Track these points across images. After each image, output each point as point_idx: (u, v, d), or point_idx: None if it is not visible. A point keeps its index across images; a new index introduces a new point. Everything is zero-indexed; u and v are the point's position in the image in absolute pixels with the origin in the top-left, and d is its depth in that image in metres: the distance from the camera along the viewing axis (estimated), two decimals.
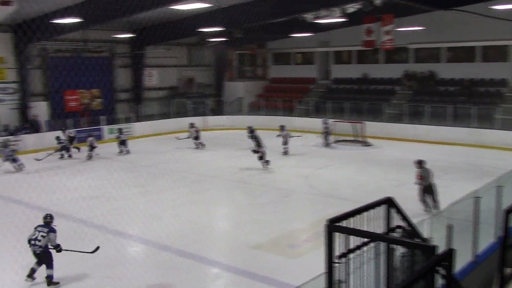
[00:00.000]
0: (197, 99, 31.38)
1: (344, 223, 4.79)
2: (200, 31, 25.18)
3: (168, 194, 14.83)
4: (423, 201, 12.41)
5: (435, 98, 26.84)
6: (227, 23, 22.49)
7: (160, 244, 10.65)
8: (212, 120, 29.87)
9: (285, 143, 21.24)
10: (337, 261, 4.74)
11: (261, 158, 17.77)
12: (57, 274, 8.88)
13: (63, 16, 18.40)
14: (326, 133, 23.70)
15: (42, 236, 8.75)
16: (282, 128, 21.54)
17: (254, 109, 32.60)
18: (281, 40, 32.63)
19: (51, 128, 24.06)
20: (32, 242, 8.75)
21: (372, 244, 4.98)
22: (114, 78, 28.65)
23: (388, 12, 22.16)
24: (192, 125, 23.70)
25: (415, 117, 25.85)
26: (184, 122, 28.22)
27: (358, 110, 27.47)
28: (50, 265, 8.81)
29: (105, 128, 25.69)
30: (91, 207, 13.20)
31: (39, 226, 8.95)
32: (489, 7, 17.58)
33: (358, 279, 4.93)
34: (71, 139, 21.71)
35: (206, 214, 13.03)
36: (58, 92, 25.77)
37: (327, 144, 23.54)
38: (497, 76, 26.28)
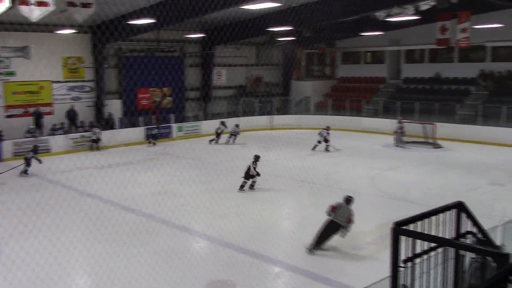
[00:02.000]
0: (264, 98, 31.56)
1: (411, 227, 4.64)
2: (269, 30, 25.30)
3: (233, 192, 15.00)
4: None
5: None
6: (297, 22, 22.44)
7: (223, 241, 10.79)
8: (279, 119, 29.92)
9: (327, 140, 21.82)
10: (402, 265, 4.60)
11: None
12: (124, 264, 9.21)
13: (138, 17, 19.11)
14: (401, 133, 23.21)
15: None
16: (327, 128, 22.22)
17: (321, 108, 32.32)
18: (350, 39, 32.18)
19: (124, 125, 25.09)
20: None
21: (440, 250, 4.79)
22: (184, 77, 29.38)
23: (465, 8, 21.27)
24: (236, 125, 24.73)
25: (491, 118, 24.62)
26: (253, 120, 28.51)
27: (429, 111, 26.54)
28: None
29: (174, 126, 26.38)
30: (159, 202, 13.59)
31: None
32: None
33: (424, 284, 4.76)
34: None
35: (270, 213, 13.06)
36: (132, 90, 26.78)
37: (401, 144, 23.03)
38: None
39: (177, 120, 26.96)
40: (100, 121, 24.74)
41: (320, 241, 10.16)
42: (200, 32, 26.80)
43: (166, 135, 25.65)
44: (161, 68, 27.56)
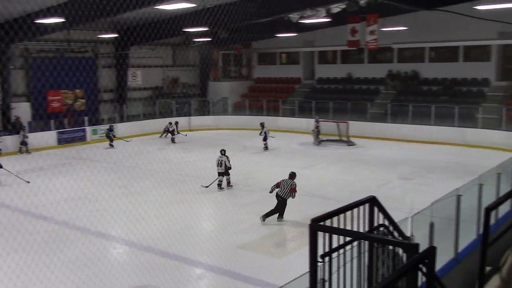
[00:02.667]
0: (181, 99, 31.26)
1: (327, 223, 4.77)
2: (185, 31, 25.08)
3: (152, 195, 14.72)
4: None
5: (419, 97, 27.04)
6: (212, 23, 22.41)
7: (143, 245, 10.56)
8: (197, 120, 29.77)
9: (265, 139, 22.21)
10: (320, 260, 4.72)
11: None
12: (36, 275, 8.75)
13: (46, 16, 18.17)
14: (317, 132, 23.94)
15: None
16: (262, 125, 22.45)
17: (239, 109, 32.55)
18: (266, 40, 32.64)
19: (34, 129, 23.79)
20: None
21: (355, 243, 4.97)
22: (97, 78, 28.41)
23: (373, 12, 22.26)
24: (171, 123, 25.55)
25: (399, 116, 26.03)
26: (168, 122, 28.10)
27: (342, 110, 27.57)
28: None
29: (88, 129, 25.43)
30: (73, 209, 13.05)
31: None
32: (473, 7, 17.71)
33: (342, 277, 4.92)
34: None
35: (190, 215, 12.94)
36: (41, 92, 25.47)
37: (318, 143, 23.78)
38: (480, 76, 26.58)
39: (91, 123, 26.00)
40: (6, 125, 23.32)
41: (271, 214, 12.06)
42: (114, 33, 26.04)
43: (79, 139, 24.68)
44: (73, 69, 26.46)
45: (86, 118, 25.72)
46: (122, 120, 27.87)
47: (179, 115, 29.40)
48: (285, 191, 12.08)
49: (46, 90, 25.58)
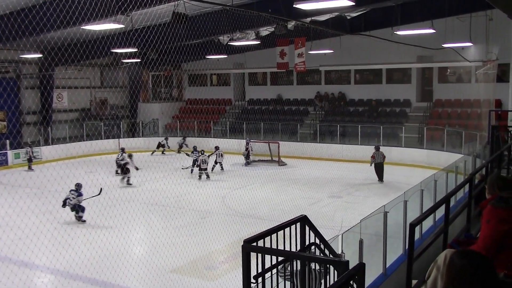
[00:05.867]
0: (110, 121, 30.52)
1: (260, 243, 4.79)
2: (113, 52, 24.62)
3: (78, 222, 14.15)
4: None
5: (346, 118, 27.98)
6: (141, 44, 22.16)
7: (69, 273, 10.11)
8: (127, 142, 29.10)
9: (216, 161, 22.54)
10: (253, 281, 4.71)
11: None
12: None
13: None
14: (248, 152, 24.19)
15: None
16: (216, 148, 22.90)
17: (170, 130, 32.24)
18: (196, 62, 32.67)
19: None
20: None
21: (288, 263, 5.01)
22: (20, 99, 27.17)
23: (300, 35, 22.89)
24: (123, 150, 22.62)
25: (328, 136, 26.77)
26: (97, 144, 27.30)
27: (273, 130, 28.00)
28: None
29: (10, 153, 24.18)
30: None
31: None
32: (394, 33, 18.67)
33: None
34: None
35: (120, 240, 12.53)
36: None
37: (248, 163, 23.97)
38: (402, 97, 27.92)
39: (13, 147, 24.74)
40: None
41: (380, 178, 18.57)
42: (38, 52, 25.08)
43: (1, 163, 23.41)
44: None
45: (7, 142, 24.46)
46: (46, 143, 26.74)
47: (107, 137, 28.64)
48: (379, 158, 19.57)
49: None
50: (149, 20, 17.06)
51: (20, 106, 27.26)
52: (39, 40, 21.87)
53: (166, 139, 28.64)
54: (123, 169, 20.35)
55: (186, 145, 26.80)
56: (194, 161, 21.94)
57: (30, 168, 23.51)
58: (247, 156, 24.42)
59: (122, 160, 21.27)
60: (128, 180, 20.05)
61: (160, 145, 28.30)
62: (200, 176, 20.90)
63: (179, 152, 23.93)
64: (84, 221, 14.69)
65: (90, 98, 31.26)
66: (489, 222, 3.43)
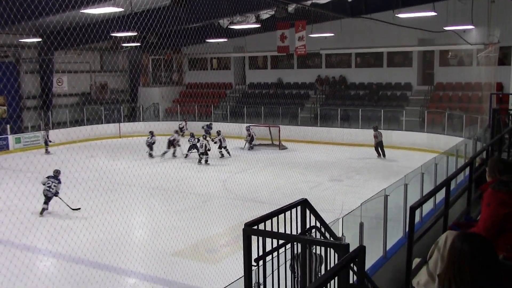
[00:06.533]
0: (110, 105, 30.46)
1: (261, 226, 4.81)
2: (113, 35, 24.46)
3: (80, 205, 14.22)
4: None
5: (347, 101, 27.90)
6: (141, 28, 22.02)
7: (71, 257, 10.18)
8: (128, 126, 29.09)
9: (220, 147, 22.49)
10: (254, 264, 4.74)
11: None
12: None
13: None
14: (252, 137, 24.30)
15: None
16: (218, 133, 22.74)
17: (170, 114, 32.20)
18: (196, 45, 32.49)
19: None
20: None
21: (288, 246, 5.03)
22: (20, 84, 27.10)
23: (301, 18, 22.73)
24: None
25: (328, 120, 26.72)
26: (97, 129, 27.33)
27: (273, 114, 27.95)
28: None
29: (11, 137, 24.20)
30: None
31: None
32: (395, 15, 18.51)
33: (276, 280, 4.96)
34: None
35: (121, 223, 12.59)
36: None
37: (251, 148, 24.42)
38: (403, 81, 27.81)
39: (14, 131, 24.74)
40: None
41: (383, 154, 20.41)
42: (37, 37, 24.94)
43: (1, 148, 23.44)
44: None
45: (8, 126, 24.45)
46: (47, 127, 26.73)
47: (108, 122, 28.63)
48: (380, 137, 21.41)
49: None
50: (149, 3, 16.94)
51: (20, 91, 27.20)
52: (38, 24, 21.75)
53: (185, 121, 28.19)
54: (171, 145, 22.69)
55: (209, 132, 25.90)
56: (193, 146, 21.92)
57: (47, 151, 23.61)
58: (250, 141, 24.48)
59: (153, 143, 22.95)
60: (174, 153, 22.72)
61: (180, 130, 26.96)
62: (199, 161, 20.93)
63: (205, 138, 23.43)
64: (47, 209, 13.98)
65: (90, 82, 31.18)
66: (490, 205, 3.45)
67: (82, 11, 16.69)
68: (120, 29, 22.18)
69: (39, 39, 25.23)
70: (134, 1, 17.02)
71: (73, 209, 13.73)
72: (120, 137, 27.74)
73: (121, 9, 16.28)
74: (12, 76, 26.62)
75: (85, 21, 22.11)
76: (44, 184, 14.00)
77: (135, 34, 23.83)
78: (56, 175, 14.32)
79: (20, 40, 25.37)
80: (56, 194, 13.93)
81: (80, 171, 18.82)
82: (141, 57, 32.47)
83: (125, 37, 25.68)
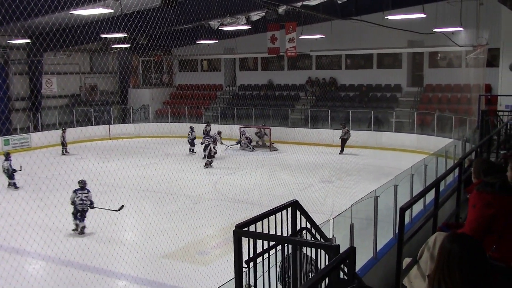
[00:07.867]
0: (100, 107, 30.31)
1: (252, 228, 4.80)
2: (103, 37, 24.34)
3: (70, 207, 14.09)
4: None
5: (337, 103, 27.99)
6: (131, 29, 21.94)
7: (61, 260, 10.10)
8: (117, 128, 28.97)
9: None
10: (245, 265, 4.74)
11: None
12: None
13: None
14: (250, 140, 24.49)
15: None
16: (219, 133, 23.01)
17: (161, 116, 32.12)
18: (186, 47, 32.42)
19: None
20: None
21: (279, 247, 5.03)
22: (8, 85, 26.88)
23: (291, 20, 22.78)
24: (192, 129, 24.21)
25: (319, 121, 26.79)
26: (87, 131, 27.21)
27: (264, 116, 27.97)
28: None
29: None
30: None
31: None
32: (384, 17, 18.60)
33: (267, 282, 4.96)
34: None
35: (111, 226, 12.54)
36: None
37: (253, 149, 24.63)
38: (392, 82, 27.95)
39: (2, 133, 24.54)
40: None
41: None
42: (26, 38, 24.76)
43: None
44: None
45: None
46: (36, 129, 26.56)
47: (97, 123, 28.49)
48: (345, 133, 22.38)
49: None
50: (139, 4, 16.86)
51: (9, 92, 26.96)
52: (27, 25, 21.59)
53: (219, 133, 23.82)
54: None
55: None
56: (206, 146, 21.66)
57: (65, 151, 23.99)
58: (249, 143, 24.77)
59: (194, 138, 23.62)
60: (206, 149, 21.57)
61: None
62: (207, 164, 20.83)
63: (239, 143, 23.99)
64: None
65: (80, 84, 31.02)
66: (475, 206, 3.47)
67: (71, 12, 16.62)
68: (109, 30, 22.08)
69: (28, 40, 25.05)
70: (124, 2, 16.94)
71: (118, 210, 12.48)
72: (110, 139, 27.63)
73: (110, 10, 16.21)
74: (0, 78, 26.39)
75: (74, 22, 21.99)
76: (74, 201, 12.61)
77: (125, 35, 23.73)
78: (83, 186, 12.93)
79: (8, 41, 25.19)
80: (91, 205, 12.70)
81: (70, 173, 18.69)
82: (131, 58, 32.35)
83: (115, 38, 25.56)
